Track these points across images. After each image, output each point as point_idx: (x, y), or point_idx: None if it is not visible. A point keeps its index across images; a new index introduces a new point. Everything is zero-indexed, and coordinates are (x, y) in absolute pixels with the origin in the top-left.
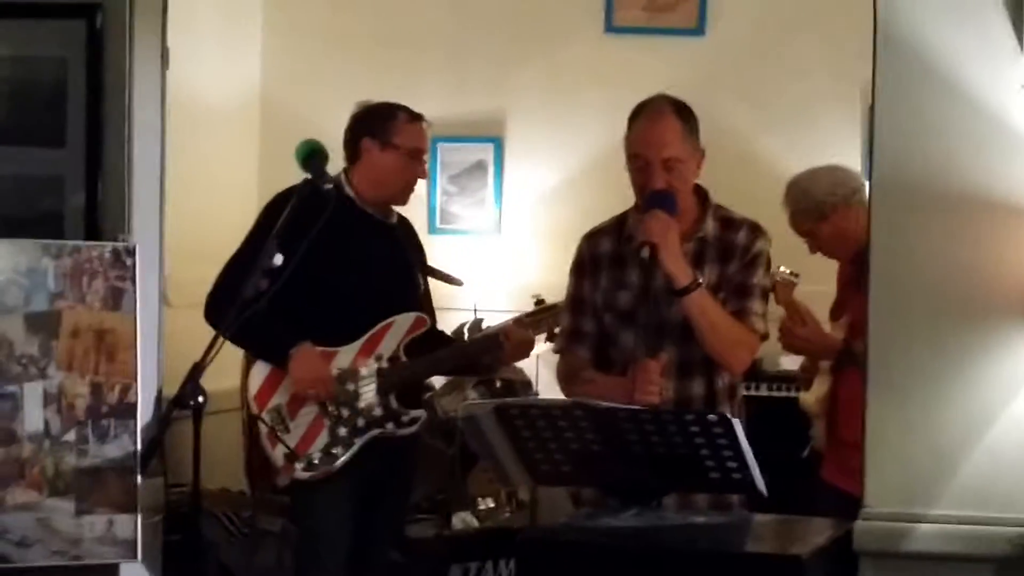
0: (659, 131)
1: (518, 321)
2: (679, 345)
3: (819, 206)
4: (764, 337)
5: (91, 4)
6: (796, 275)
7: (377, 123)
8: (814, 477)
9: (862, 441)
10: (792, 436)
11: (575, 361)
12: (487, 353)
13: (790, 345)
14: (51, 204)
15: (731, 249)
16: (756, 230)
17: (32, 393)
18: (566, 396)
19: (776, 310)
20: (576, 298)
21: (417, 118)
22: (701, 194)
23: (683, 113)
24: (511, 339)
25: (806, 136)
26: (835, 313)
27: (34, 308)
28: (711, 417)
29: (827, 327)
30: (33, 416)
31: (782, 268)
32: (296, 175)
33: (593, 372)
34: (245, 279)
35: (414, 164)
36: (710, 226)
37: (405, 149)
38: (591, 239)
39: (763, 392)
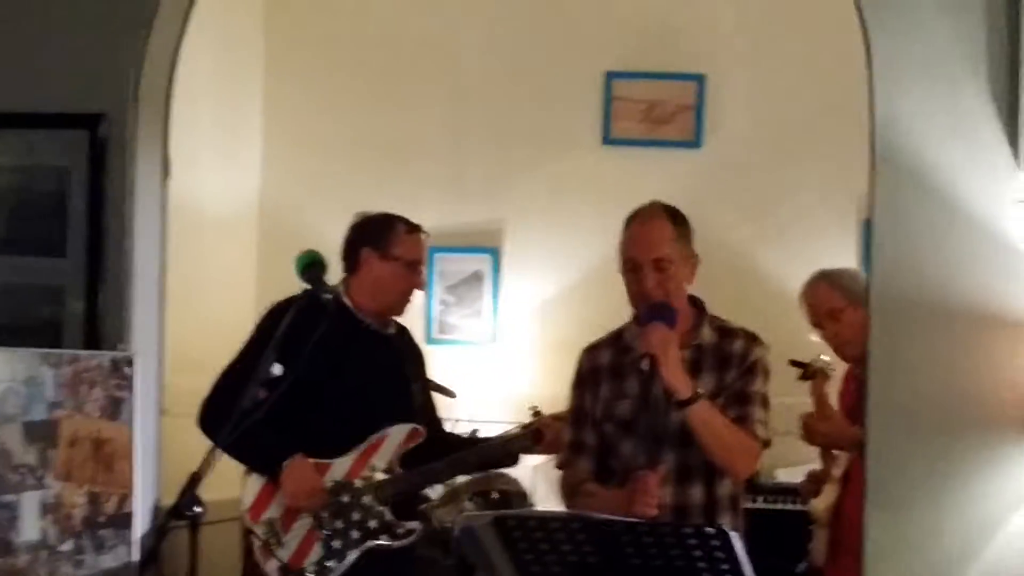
0: (649, 232)
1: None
2: (679, 451)
3: (848, 294)
4: (767, 444)
5: (94, 115)
6: (833, 367)
7: (376, 234)
8: None
9: (861, 554)
10: (789, 550)
11: (577, 474)
12: (496, 458)
13: (811, 439)
14: (51, 313)
15: (729, 358)
16: (753, 338)
17: (30, 503)
18: (567, 509)
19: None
20: (578, 411)
21: (415, 229)
22: (697, 304)
23: (675, 217)
24: (549, 432)
25: (802, 249)
26: (852, 417)
27: (33, 417)
28: (708, 530)
29: None
30: (30, 526)
31: (822, 356)
32: (294, 285)
33: (594, 485)
34: (241, 389)
35: (412, 275)
36: (707, 334)
37: (404, 260)
38: (591, 352)
39: (760, 504)
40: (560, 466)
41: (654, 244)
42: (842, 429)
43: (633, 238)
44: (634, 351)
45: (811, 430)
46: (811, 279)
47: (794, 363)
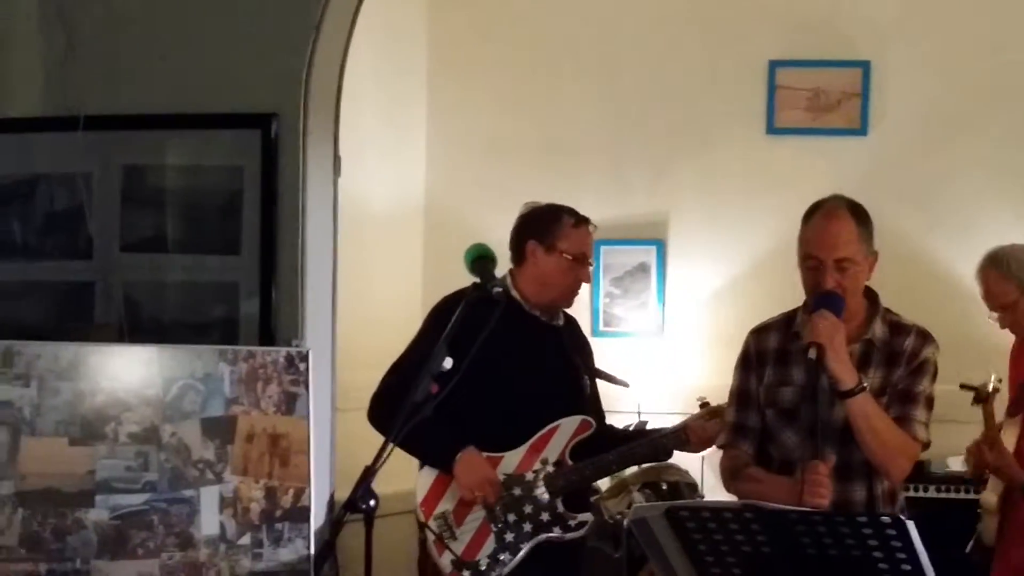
0: (834, 232)
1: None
2: (841, 447)
3: (1020, 283)
4: (926, 446)
5: (266, 114)
6: (1000, 383)
7: (543, 226)
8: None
9: None
10: (960, 538)
11: (739, 456)
12: (664, 448)
13: (977, 467)
14: (226, 310)
15: (898, 354)
16: (925, 336)
17: (209, 497)
18: (728, 491)
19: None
20: (741, 392)
21: (583, 221)
22: (871, 296)
23: (858, 215)
24: (694, 435)
25: (972, 234)
26: (1012, 408)
27: (210, 413)
28: (885, 519)
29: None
30: (209, 520)
31: (994, 377)
32: (460, 279)
33: (758, 470)
34: (412, 383)
35: (579, 268)
36: (878, 329)
37: (570, 253)
38: (758, 334)
39: (931, 494)
40: (722, 447)
41: (839, 244)
42: (1008, 464)
43: (816, 235)
44: (802, 339)
45: (980, 457)
46: (983, 263)
47: (965, 387)
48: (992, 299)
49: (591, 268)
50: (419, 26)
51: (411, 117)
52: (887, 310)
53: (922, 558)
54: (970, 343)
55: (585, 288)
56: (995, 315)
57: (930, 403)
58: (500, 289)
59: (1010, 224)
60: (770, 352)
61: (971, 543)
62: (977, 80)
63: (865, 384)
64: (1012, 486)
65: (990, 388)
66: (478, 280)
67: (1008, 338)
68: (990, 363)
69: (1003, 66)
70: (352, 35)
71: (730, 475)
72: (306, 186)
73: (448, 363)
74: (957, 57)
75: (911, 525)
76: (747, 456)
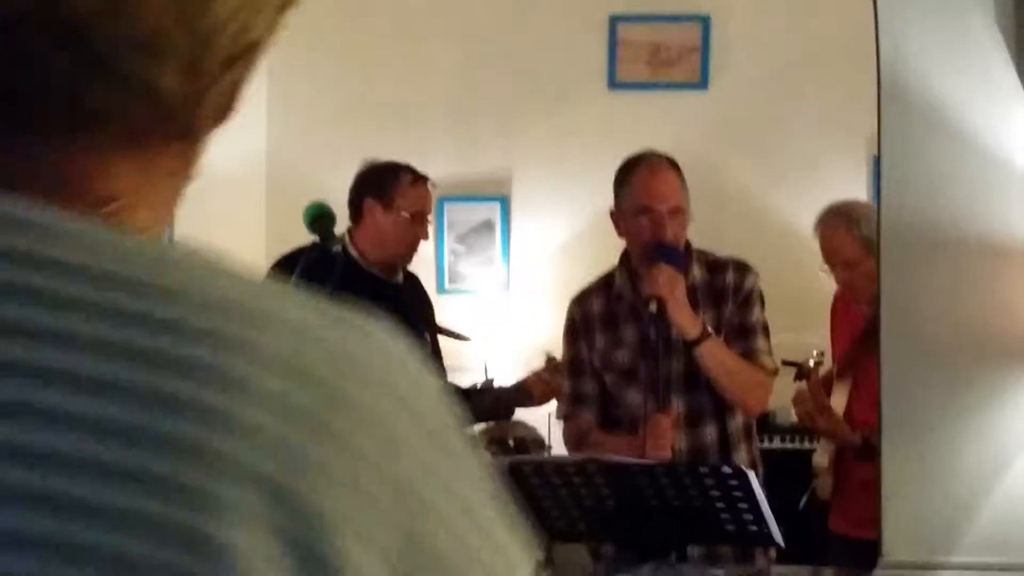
0: (664, 182)
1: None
2: (686, 395)
3: (869, 244)
4: (775, 372)
5: None
6: (822, 356)
7: (380, 184)
8: (820, 528)
9: (877, 489)
10: (805, 487)
11: (580, 424)
12: (509, 402)
13: (804, 423)
14: None
15: (722, 291)
16: (743, 268)
17: None
18: None
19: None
20: (574, 361)
21: (421, 179)
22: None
23: (675, 166)
24: (535, 387)
25: (812, 188)
26: (842, 370)
27: None
28: (725, 469)
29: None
30: None
31: (815, 352)
32: (303, 238)
33: (601, 434)
34: None
35: (416, 226)
36: (696, 271)
37: (408, 211)
38: (580, 301)
39: (776, 444)
40: (562, 417)
41: (671, 193)
42: (840, 429)
43: (646, 186)
44: (626, 298)
45: (809, 420)
46: (829, 217)
47: (787, 363)
48: (835, 255)
49: (428, 226)
50: None
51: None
52: (700, 251)
53: (763, 507)
54: (811, 295)
55: (429, 246)
56: (828, 270)
57: (767, 331)
58: (339, 247)
59: (849, 179)
60: (596, 316)
61: (805, 498)
62: (818, 35)
63: (711, 330)
64: (845, 447)
65: (811, 363)
66: (317, 238)
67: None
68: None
69: (843, 21)
70: None
71: (574, 444)
72: None
73: None
74: (795, 12)
75: (752, 475)
76: (588, 423)
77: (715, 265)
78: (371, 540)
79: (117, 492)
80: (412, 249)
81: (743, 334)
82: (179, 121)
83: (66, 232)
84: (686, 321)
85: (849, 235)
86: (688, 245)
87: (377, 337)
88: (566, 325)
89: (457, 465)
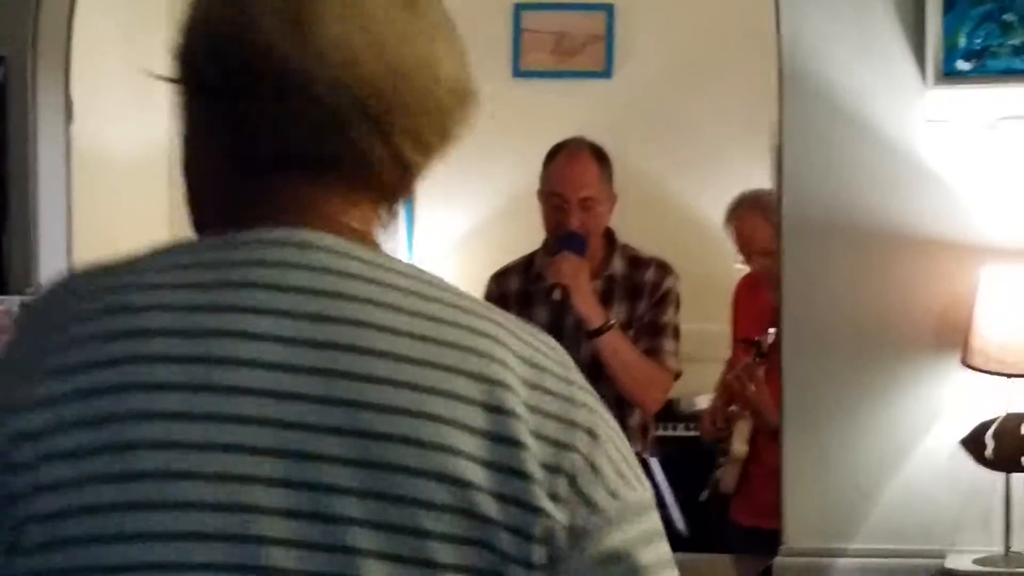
0: (578, 171)
1: None
2: (589, 383)
3: None
4: (678, 375)
5: None
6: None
7: None
8: (720, 518)
9: (778, 477)
10: (706, 477)
11: None
12: None
13: (731, 393)
14: None
15: (640, 287)
16: (664, 268)
17: None
18: None
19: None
20: None
21: None
22: (608, 234)
23: (599, 156)
24: None
25: (716, 176)
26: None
27: None
28: None
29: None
30: None
31: (772, 331)
32: None
33: None
34: None
35: None
36: (618, 265)
37: None
38: (499, 278)
39: (680, 432)
40: None
41: (582, 183)
42: (767, 402)
43: (560, 174)
44: (544, 279)
45: (737, 387)
46: (743, 206)
47: (746, 341)
48: (751, 243)
49: None
50: None
51: (154, 63)
52: (625, 245)
53: (665, 496)
54: (716, 284)
55: None
56: (742, 263)
57: (677, 333)
58: None
59: (752, 167)
60: (512, 295)
61: (707, 491)
62: (721, 23)
63: (613, 321)
64: (763, 427)
65: (769, 342)
66: None
67: None
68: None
69: (746, 9)
70: None
71: None
72: (36, 132)
73: None
74: (699, 1)
75: (654, 462)
76: None
77: (637, 261)
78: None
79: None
80: None
81: (652, 332)
82: (409, 183)
83: (375, 258)
84: (588, 310)
85: (766, 223)
86: (613, 237)
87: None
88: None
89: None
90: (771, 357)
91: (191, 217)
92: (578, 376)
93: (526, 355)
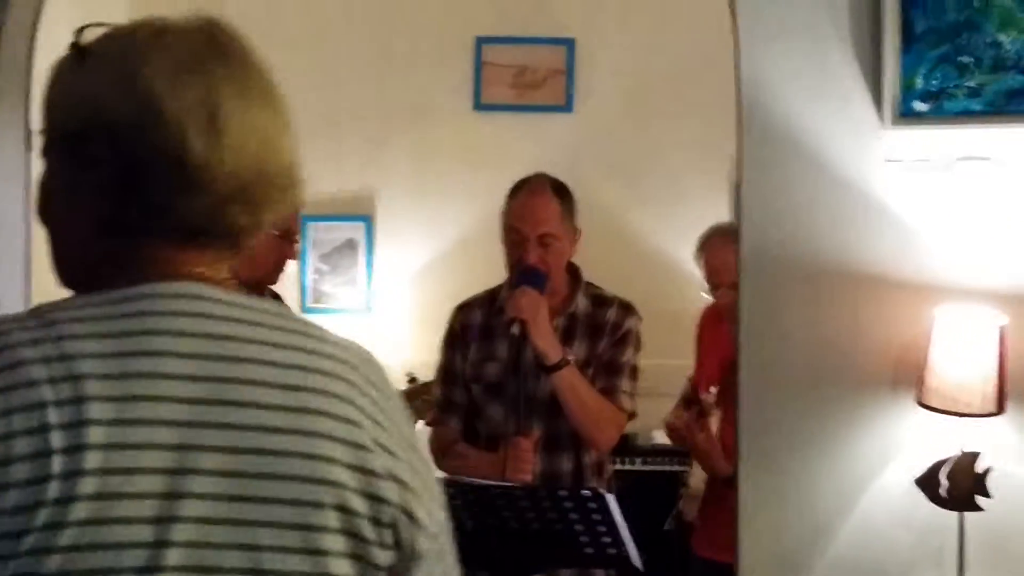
0: (538, 207)
1: None
2: (547, 420)
3: None
4: (632, 415)
5: None
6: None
7: None
8: (683, 549)
9: (734, 513)
10: (667, 510)
11: (447, 432)
12: None
13: (678, 437)
14: None
15: (601, 326)
16: (627, 308)
17: None
18: (438, 467)
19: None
20: (447, 369)
21: None
22: (573, 272)
23: (561, 192)
24: None
25: (676, 211)
26: (718, 399)
27: None
28: (585, 492)
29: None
30: None
31: (711, 390)
32: None
33: (465, 446)
34: None
35: (284, 245)
36: (581, 303)
37: (276, 230)
38: (462, 311)
39: (637, 466)
40: (430, 423)
41: (541, 220)
42: (716, 454)
43: (519, 210)
44: (506, 314)
45: (687, 432)
46: (715, 236)
47: (688, 402)
48: (721, 274)
49: (298, 246)
50: None
51: None
52: (589, 284)
53: (622, 531)
54: (674, 317)
55: (293, 265)
56: (707, 293)
57: (635, 373)
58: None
59: (713, 201)
60: (474, 328)
61: (670, 520)
62: (681, 57)
63: (570, 358)
64: (715, 476)
65: (712, 400)
66: None
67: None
68: (691, 340)
69: (705, 43)
70: (43, 4)
71: (439, 451)
72: None
73: None
74: (659, 36)
75: (611, 498)
76: (455, 432)
77: (600, 300)
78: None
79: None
80: (280, 268)
81: (610, 371)
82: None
83: (235, 299)
84: (546, 345)
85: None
86: (577, 275)
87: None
88: (445, 332)
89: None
90: (723, 407)
91: (61, 274)
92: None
93: (361, 382)
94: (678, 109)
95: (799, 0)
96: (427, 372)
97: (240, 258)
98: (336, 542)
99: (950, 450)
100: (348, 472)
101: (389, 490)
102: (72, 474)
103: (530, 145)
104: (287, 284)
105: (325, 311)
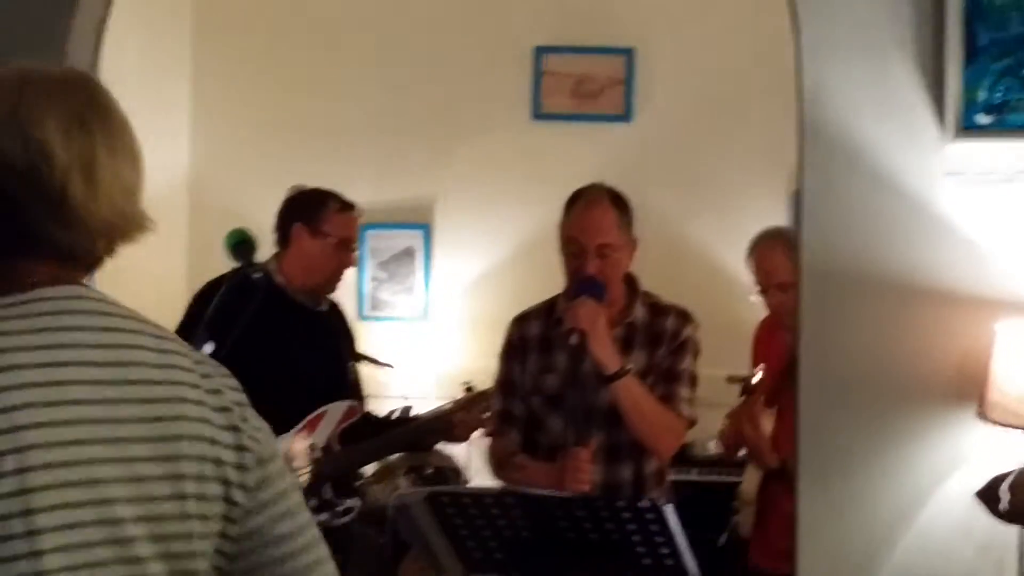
0: (595, 218)
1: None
2: (607, 430)
3: None
4: (692, 423)
5: None
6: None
7: (308, 209)
8: (740, 562)
9: (794, 523)
10: (722, 521)
11: (506, 444)
12: (430, 436)
13: (732, 436)
14: None
15: (660, 335)
16: (684, 316)
17: None
18: (497, 478)
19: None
20: (506, 381)
21: (348, 207)
22: (630, 281)
23: (619, 203)
24: (459, 424)
25: (734, 221)
26: (770, 398)
27: None
28: (643, 504)
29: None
30: None
31: (762, 367)
32: (226, 264)
33: (524, 458)
34: None
35: (344, 253)
36: (639, 312)
37: (335, 238)
38: (520, 322)
39: (693, 476)
40: (489, 435)
41: (599, 230)
42: (764, 444)
43: (578, 221)
44: (564, 324)
45: (736, 429)
46: (766, 239)
47: (733, 379)
48: (770, 277)
49: (355, 253)
50: (184, 2)
51: (176, 97)
52: (646, 293)
53: (679, 542)
54: (732, 327)
55: (351, 272)
56: (757, 295)
57: (693, 381)
58: (260, 275)
59: (769, 209)
60: (532, 340)
61: (725, 535)
62: (739, 65)
63: (629, 367)
64: (765, 469)
65: (755, 381)
66: (238, 265)
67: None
68: (748, 351)
69: (765, 52)
70: (110, 11)
71: (497, 463)
72: None
73: (209, 347)
74: (719, 46)
75: (669, 510)
76: (514, 444)
77: (658, 309)
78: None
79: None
80: (338, 276)
81: (669, 378)
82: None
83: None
84: (605, 356)
85: (786, 257)
86: (635, 284)
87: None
88: (503, 344)
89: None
90: (768, 406)
91: None
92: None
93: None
94: (737, 119)
95: (861, 12)
96: (483, 380)
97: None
98: (191, 461)
99: (1011, 464)
100: (204, 409)
101: (237, 418)
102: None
103: (589, 154)
104: (345, 292)
105: (382, 319)
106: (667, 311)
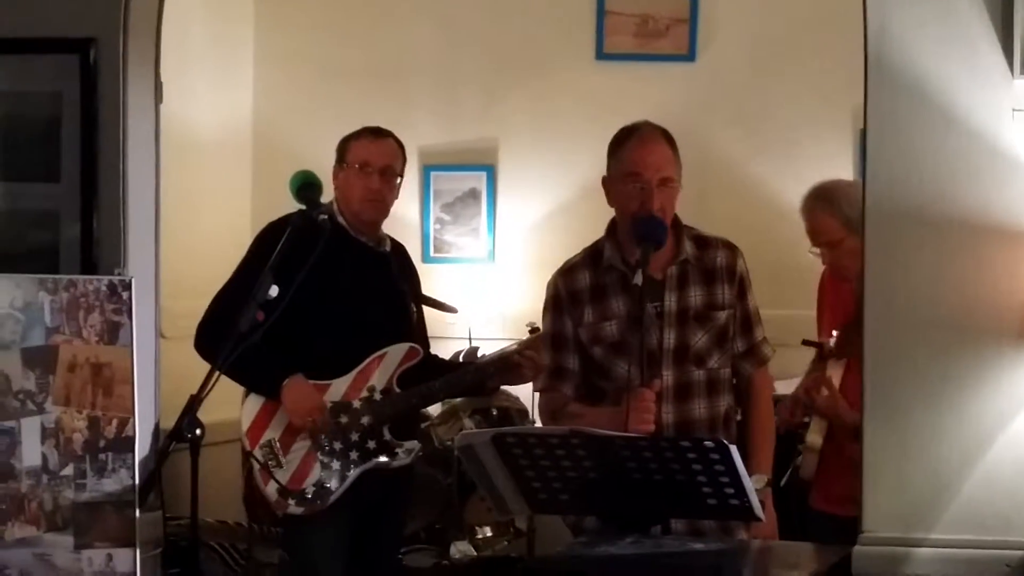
0: (656, 152)
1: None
2: (675, 368)
3: (847, 223)
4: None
5: (85, 39)
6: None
7: (342, 145)
8: (799, 505)
9: (859, 466)
10: (786, 462)
11: (558, 399)
12: (495, 378)
13: (803, 411)
14: (46, 239)
15: (712, 270)
16: (731, 248)
17: (30, 428)
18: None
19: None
20: (556, 335)
21: (373, 133)
22: (673, 217)
23: (670, 139)
24: (522, 369)
25: (797, 161)
26: (838, 351)
27: (31, 343)
28: (708, 443)
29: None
30: (31, 451)
31: (835, 333)
32: (289, 205)
33: (579, 406)
34: (238, 311)
35: (364, 177)
36: (687, 247)
37: (353, 163)
38: (566, 275)
39: None
40: (540, 390)
41: (662, 164)
42: (839, 406)
43: (639, 156)
44: (616, 269)
45: (810, 401)
46: (809, 201)
47: (807, 343)
48: (818, 236)
49: (377, 177)
50: None
51: (239, 41)
52: (688, 227)
53: (745, 481)
54: (794, 270)
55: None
56: (817, 251)
57: (758, 315)
58: (325, 216)
59: (834, 152)
60: (582, 292)
61: (787, 476)
62: (805, 8)
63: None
64: (841, 426)
65: (832, 344)
66: (303, 207)
67: None
68: (813, 291)
69: None
70: None
71: (550, 417)
72: (127, 113)
73: (274, 291)
74: None
75: (734, 449)
76: (566, 398)
77: (703, 241)
78: None
79: None
80: (366, 201)
81: (746, 326)
82: None
83: None
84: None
85: (829, 216)
86: (677, 220)
87: None
88: (548, 298)
89: None
90: (838, 358)
91: None
92: None
93: None
94: (801, 58)
95: None
96: None
97: (339, 199)
98: None
99: None
100: None
101: None
102: None
103: (652, 94)
104: (409, 233)
105: (447, 260)
106: (713, 244)
